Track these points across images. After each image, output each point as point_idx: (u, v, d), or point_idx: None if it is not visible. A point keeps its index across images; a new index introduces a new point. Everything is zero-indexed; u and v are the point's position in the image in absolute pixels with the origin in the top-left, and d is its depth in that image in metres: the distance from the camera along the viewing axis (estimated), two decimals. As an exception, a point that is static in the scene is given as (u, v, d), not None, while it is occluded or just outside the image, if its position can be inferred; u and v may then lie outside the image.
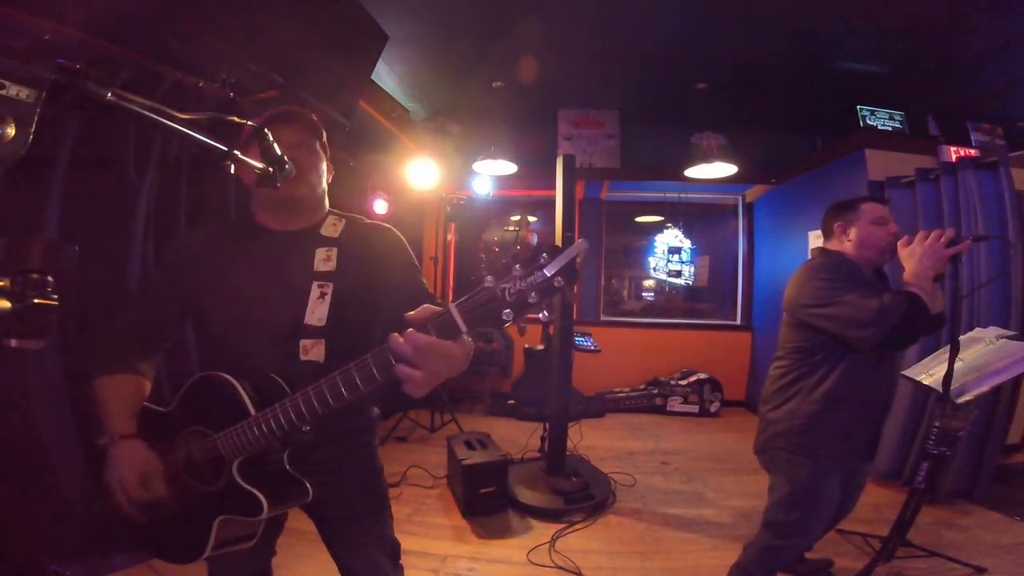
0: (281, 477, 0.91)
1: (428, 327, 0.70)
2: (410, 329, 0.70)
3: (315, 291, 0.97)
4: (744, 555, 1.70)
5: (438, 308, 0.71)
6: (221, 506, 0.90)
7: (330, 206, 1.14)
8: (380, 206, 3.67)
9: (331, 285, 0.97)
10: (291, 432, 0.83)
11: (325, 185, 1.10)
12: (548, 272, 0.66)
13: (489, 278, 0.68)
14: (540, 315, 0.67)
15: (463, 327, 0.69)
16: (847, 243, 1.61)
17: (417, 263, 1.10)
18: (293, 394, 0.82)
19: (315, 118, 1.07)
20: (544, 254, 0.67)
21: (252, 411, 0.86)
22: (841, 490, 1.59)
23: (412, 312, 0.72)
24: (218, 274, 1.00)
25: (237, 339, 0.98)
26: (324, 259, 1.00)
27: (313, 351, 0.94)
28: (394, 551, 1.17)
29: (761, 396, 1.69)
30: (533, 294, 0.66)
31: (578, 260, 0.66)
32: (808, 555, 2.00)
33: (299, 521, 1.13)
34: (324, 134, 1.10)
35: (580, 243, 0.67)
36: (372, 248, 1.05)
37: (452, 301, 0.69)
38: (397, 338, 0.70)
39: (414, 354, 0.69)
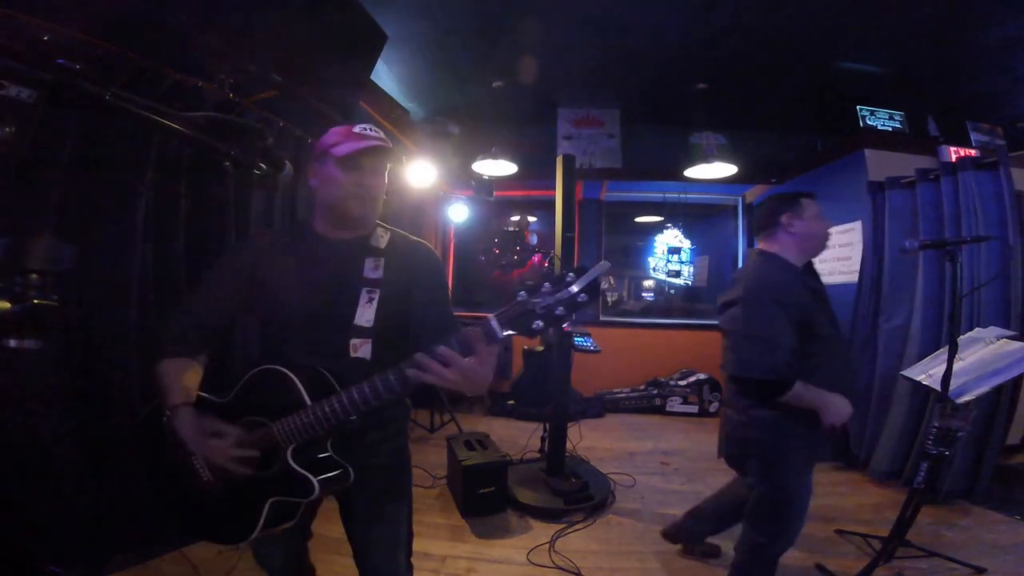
0: (327, 462, 1.00)
1: (470, 334, 0.86)
2: (453, 343, 0.86)
3: (364, 296, 1.07)
4: (738, 555, 1.73)
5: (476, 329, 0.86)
6: (274, 489, 0.99)
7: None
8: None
9: (378, 291, 1.08)
10: (342, 421, 0.94)
11: (383, 194, 1.18)
12: (574, 289, 0.79)
13: (522, 294, 0.82)
14: (564, 325, 0.78)
15: (500, 333, 0.84)
16: (789, 235, 1.62)
17: (447, 284, 1.20)
18: (343, 388, 0.94)
19: (390, 146, 1.13)
20: (571, 273, 0.80)
21: (308, 402, 0.96)
22: None
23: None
24: (279, 276, 1.10)
25: (293, 336, 1.07)
26: (373, 267, 1.10)
27: (361, 349, 1.04)
28: (409, 546, 1.22)
29: (724, 401, 1.72)
30: (560, 308, 0.79)
31: (602, 278, 0.80)
32: (709, 538, 2.12)
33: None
34: (397, 157, 1.17)
35: (603, 264, 0.81)
36: (413, 263, 1.15)
37: (491, 314, 0.85)
38: (445, 350, 0.86)
39: (459, 365, 0.86)
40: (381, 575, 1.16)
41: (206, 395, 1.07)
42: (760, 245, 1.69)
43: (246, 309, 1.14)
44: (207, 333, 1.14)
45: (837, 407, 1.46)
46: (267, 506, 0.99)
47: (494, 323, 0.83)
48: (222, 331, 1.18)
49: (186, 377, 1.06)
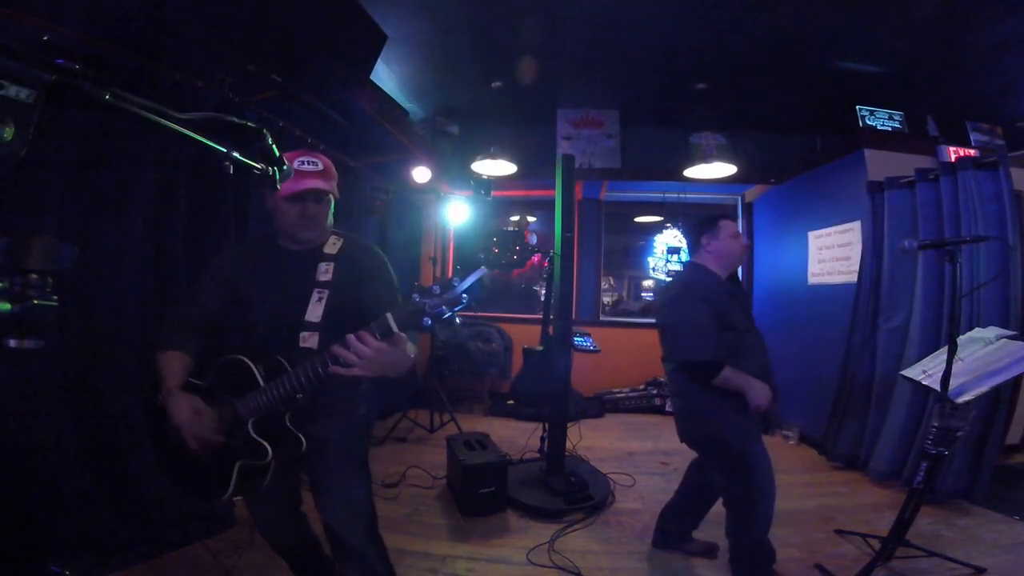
0: (283, 432, 1.20)
1: (372, 328, 1.04)
2: (361, 332, 1.04)
3: (315, 296, 1.27)
4: (729, 542, 1.85)
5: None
6: (240, 454, 1.19)
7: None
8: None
9: (327, 291, 1.27)
10: (288, 399, 1.15)
11: (331, 218, 1.38)
12: (457, 291, 0.97)
13: (415, 296, 0.99)
14: (455, 321, 0.93)
15: (395, 328, 1.02)
16: (708, 252, 1.95)
17: (396, 282, 1.37)
18: (289, 372, 1.15)
19: (332, 175, 1.31)
20: (456, 278, 0.97)
21: (261, 384, 1.18)
22: None
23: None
24: (248, 283, 1.32)
25: (260, 330, 1.29)
26: (324, 271, 1.30)
27: (310, 340, 1.24)
28: (371, 519, 1.34)
29: (671, 392, 2.03)
30: (444, 307, 0.97)
31: (484, 281, 0.97)
32: (696, 535, 2.19)
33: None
34: (336, 178, 1.34)
35: (481, 270, 0.98)
36: (361, 266, 1.34)
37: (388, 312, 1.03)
38: (351, 338, 1.04)
39: (362, 352, 1.04)
40: (341, 540, 1.28)
41: (192, 380, 1.28)
42: (691, 259, 2.04)
43: (228, 310, 1.34)
44: (197, 331, 1.35)
45: (759, 390, 1.74)
46: (236, 468, 1.19)
47: (390, 319, 1.01)
48: (210, 329, 1.37)
49: (177, 366, 1.26)
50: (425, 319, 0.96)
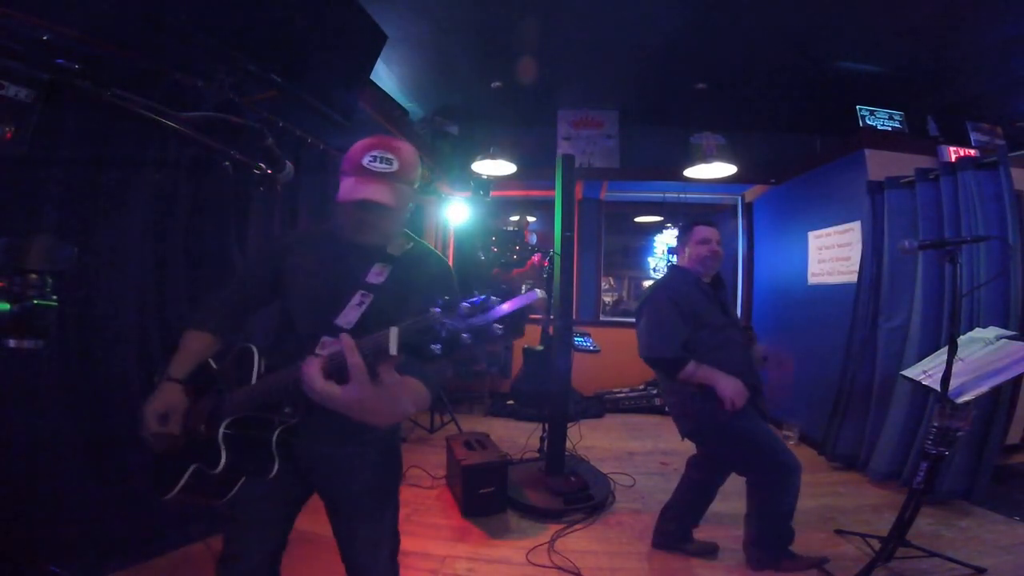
0: (258, 448, 0.99)
1: (365, 342, 0.75)
2: (346, 337, 0.75)
3: (355, 298, 1.05)
4: (757, 523, 1.91)
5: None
6: (196, 455, 1.04)
7: None
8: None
9: (371, 296, 1.05)
10: (269, 408, 0.97)
11: (403, 216, 1.14)
12: (492, 318, 0.65)
13: (436, 310, 0.67)
14: (482, 365, 0.68)
15: (393, 350, 0.70)
16: (684, 256, 2.10)
17: (456, 293, 1.12)
18: (265, 377, 0.97)
19: (408, 177, 1.07)
20: (500, 299, 0.66)
21: (253, 380, 1.01)
22: None
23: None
24: (292, 272, 1.14)
25: (292, 324, 1.13)
26: (376, 272, 1.08)
27: (329, 348, 0.98)
28: (393, 546, 1.23)
29: (660, 390, 2.11)
30: (466, 335, 0.65)
31: (531, 314, 0.66)
32: (696, 535, 2.20)
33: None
34: (416, 176, 1.11)
35: (533, 294, 0.66)
36: (422, 271, 1.13)
37: (396, 324, 0.71)
38: (347, 339, 0.75)
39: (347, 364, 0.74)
40: (361, 569, 1.18)
41: (210, 362, 1.16)
42: (675, 261, 2.19)
43: (270, 298, 1.21)
44: (235, 315, 1.22)
45: (728, 384, 1.81)
46: (189, 470, 1.05)
47: (391, 336, 0.70)
48: (255, 311, 1.24)
49: (193, 350, 1.15)
50: (434, 345, 0.66)
